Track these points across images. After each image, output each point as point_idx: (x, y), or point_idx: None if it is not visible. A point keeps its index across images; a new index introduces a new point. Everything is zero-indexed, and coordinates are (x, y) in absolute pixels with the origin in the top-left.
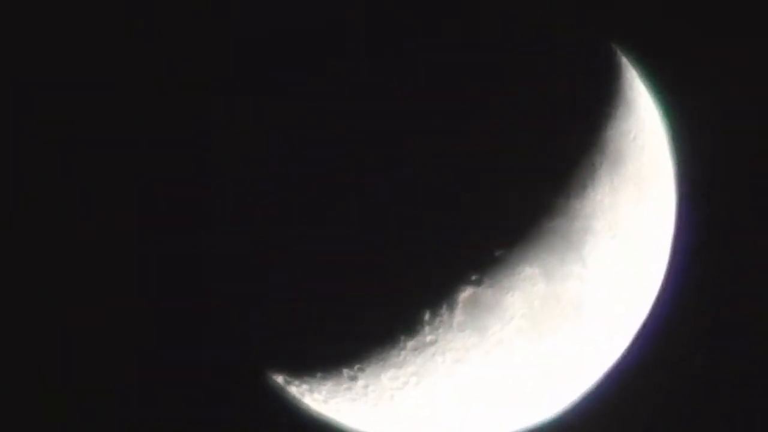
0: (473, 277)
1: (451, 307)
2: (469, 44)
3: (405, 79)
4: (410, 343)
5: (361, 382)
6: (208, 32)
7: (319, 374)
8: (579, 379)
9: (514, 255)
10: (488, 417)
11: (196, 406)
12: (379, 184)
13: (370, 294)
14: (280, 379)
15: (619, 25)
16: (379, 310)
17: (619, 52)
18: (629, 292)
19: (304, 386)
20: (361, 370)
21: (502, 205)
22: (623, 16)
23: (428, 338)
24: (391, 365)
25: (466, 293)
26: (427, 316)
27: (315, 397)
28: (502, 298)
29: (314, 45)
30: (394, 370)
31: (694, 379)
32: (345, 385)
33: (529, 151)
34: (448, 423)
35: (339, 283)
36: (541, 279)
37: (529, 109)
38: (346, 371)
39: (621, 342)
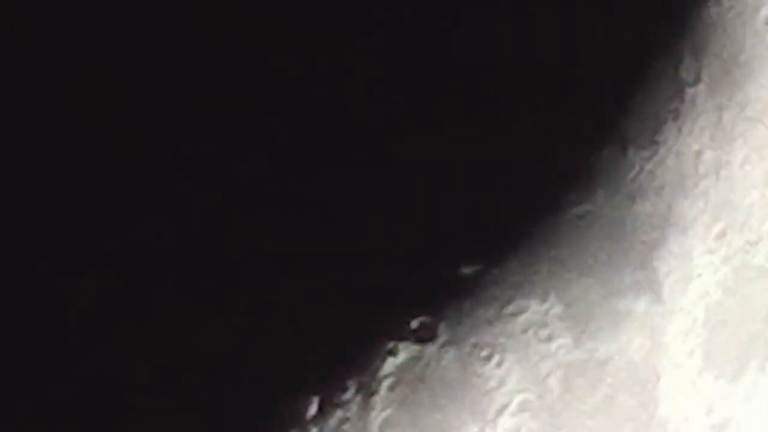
0: (414, 324)
1: (368, 389)
2: None
3: None
4: None
5: None
6: None
7: None
8: None
9: (501, 274)
10: None
11: None
12: None
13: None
14: None
15: None
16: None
17: None
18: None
19: None
20: None
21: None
22: None
23: None
24: None
25: (397, 359)
26: (312, 409)
27: None
28: (476, 369)
29: None
30: None
31: None
32: None
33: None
34: None
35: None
36: (563, 326)
37: None
38: None
39: None
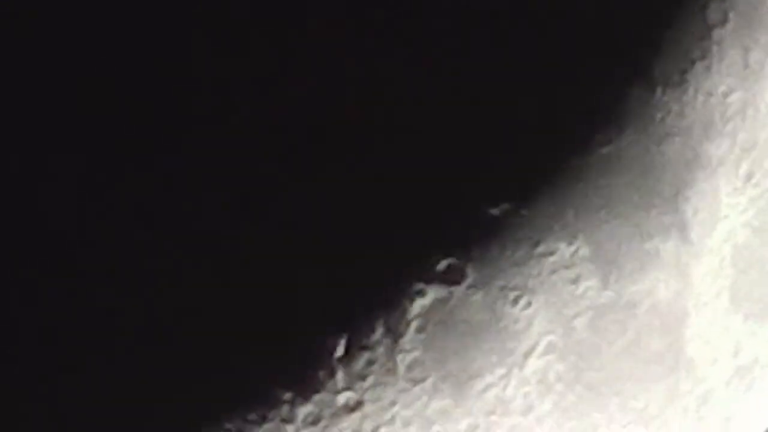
0: (441, 265)
1: (395, 330)
2: None
3: None
4: (304, 408)
5: None
6: None
7: None
8: None
9: (530, 216)
10: None
11: None
12: None
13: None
14: None
15: None
16: (235, 334)
17: None
18: None
19: None
20: None
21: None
22: None
23: (342, 396)
24: None
25: (425, 299)
26: (340, 350)
27: None
28: (504, 311)
29: None
30: None
31: None
32: None
33: None
34: None
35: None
36: (591, 267)
37: None
38: None
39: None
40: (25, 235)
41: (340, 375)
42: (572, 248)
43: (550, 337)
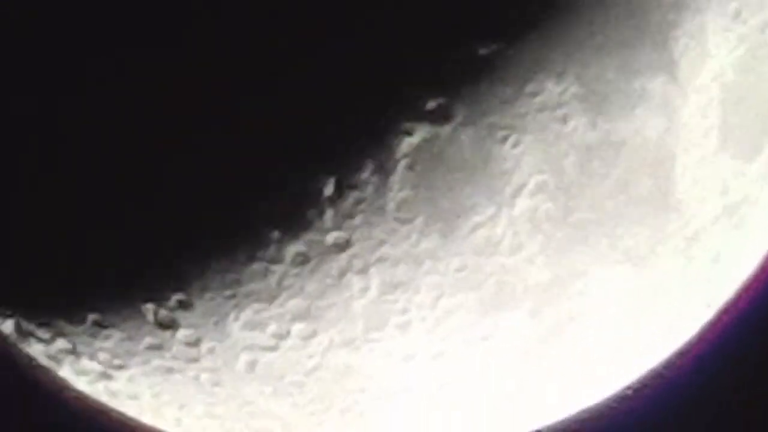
0: (430, 105)
1: (384, 169)
2: None
3: None
4: (293, 247)
5: (183, 334)
6: None
7: (92, 315)
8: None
9: (518, 55)
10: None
11: None
12: None
13: (201, 138)
14: (8, 325)
15: None
16: (222, 173)
17: None
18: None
19: (61, 342)
20: (185, 305)
21: None
22: None
23: (331, 236)
24: (251, 295)
25: (414, 138)
26: (329, 189)
27: (85, 365)
28: (493, 149)
29: None
30: (259, 306)
31: None
32: (149, 340)
33: None
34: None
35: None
36: (579, 106)
37: None
38: (151, 308)
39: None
40: None
41: (328, 214)
42: (560, 87)
43: (539, 177)
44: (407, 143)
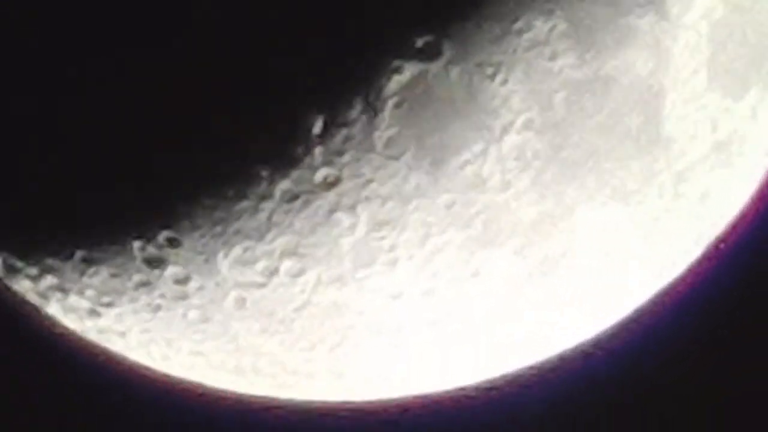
0: (418, 42)
1: (373, 107)
2: None
3: None
4: (282, 185)
5: (171, 272)
6: None
7: (80, 251)
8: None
9: None
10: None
11: None
12: None
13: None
14: None
15: None
16: (211, 112)
17: None
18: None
19: (49, 279)
20: (173, 242)
21: None
22: None
23: (320, 174)
24: (240, 233)
25: (402, 76)
26: (318, 126)
27: (73, 303)
28: (481, 87)
29: None
30: (248, 243)
31: None
32: (137, 278)
33: None
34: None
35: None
36: (567, 44)
37: None
38: (137, 246)
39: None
40: None
41: (317, 151)
42: (549, 24)
43: (528, 114)
44: (396, 81)
